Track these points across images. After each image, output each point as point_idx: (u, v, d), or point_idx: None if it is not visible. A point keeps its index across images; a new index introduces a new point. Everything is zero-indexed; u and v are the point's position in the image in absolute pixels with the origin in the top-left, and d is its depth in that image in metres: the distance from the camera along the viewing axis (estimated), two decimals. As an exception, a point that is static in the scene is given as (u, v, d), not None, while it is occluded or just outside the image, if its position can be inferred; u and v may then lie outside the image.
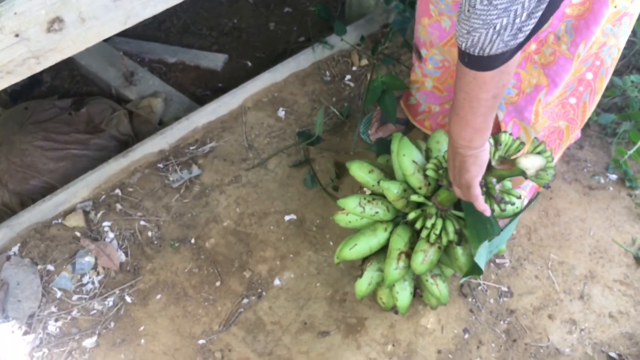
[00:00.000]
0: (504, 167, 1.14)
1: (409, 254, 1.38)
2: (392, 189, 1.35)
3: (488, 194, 1.18)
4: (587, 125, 1.97)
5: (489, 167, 1.15)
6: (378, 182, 1.39)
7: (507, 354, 1.54)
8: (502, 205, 1.20)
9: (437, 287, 1.43)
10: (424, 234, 1.32)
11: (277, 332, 1.58)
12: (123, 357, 1.54)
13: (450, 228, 1.30)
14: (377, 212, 1.40)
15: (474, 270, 1.24)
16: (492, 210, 1.18)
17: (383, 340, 1.56)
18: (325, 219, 1.77)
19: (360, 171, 1.43)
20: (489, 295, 1.63)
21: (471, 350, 1.54)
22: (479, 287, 1.64)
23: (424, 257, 1.34)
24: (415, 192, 1.35)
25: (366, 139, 1.91)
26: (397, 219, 1.43)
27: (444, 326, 1.58)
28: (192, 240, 1.73)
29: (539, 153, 1.12)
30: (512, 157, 1.14)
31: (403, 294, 1.46)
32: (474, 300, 1.62)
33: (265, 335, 1.57)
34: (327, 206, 1.79)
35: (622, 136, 1.91)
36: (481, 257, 1.23)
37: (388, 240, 1.42)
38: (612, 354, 1.54)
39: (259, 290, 1.64)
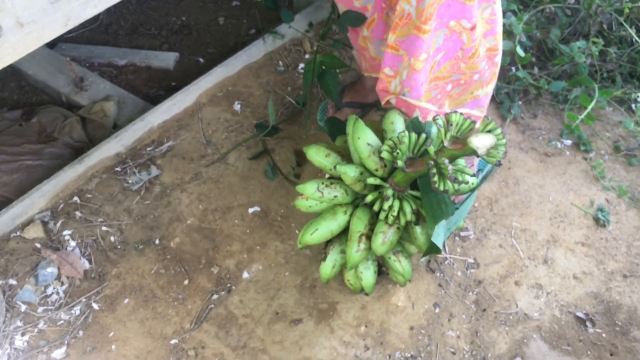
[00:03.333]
0: (456, 147, 1.15)
1: (369, 236, 1.38)
2: (349, 173, 1.35)
3: (441, 174, 1.19)
4: (538, 94, 2.00)
5: (441, 147, 1.16)
6: (335, 167, 1.39)
7: (478, 324, 1.56)
8: (456, 185, 1.22)
9: (400, 264, 1.44)
10: (382, 215, 1.33)
11: (249, 324, 1.57)
12: (95, 365, 1.52)
13: (408, 209, 1.31)
14: (335, 196, 1.40)
15: (432, 249, 1.25)
16: (446, 191, 1.19)
17: (356, 323, 1.56)
18: (290, 208, 1.77)
19: (317, 156, 1.43)
20: (456, 268, 1.65)
21: (443, 324, 1.56)
22: (446, 262, 1.65)
23: (383, 239, 1.34)
24: (372, 175, 1.36)
25: (324, 126, 1.91)
26: (357, 201, 1.44)
27: (415, 303, 1.59)
28: (157, 241, 1.71)
29: (489, 131, 1.14)
30: (463, 137, 1.15)
31: (367, 274, 1.46)
32: (441, 274, 1.63)
33: (238, 328, 1.57)
34: (291, 195, 1.79)
35: (573, 102, 1.95)
36: (438, 236, 1.24)
37: (349, 222, 1.43)
38: (579, 314, 1.57)
39: (228, 285, 1.64)
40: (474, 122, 1.21)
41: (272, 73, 2.10)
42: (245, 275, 1.65)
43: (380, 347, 1.53)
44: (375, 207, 1.34)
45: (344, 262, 1.49)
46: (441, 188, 1.22)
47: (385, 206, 1.31)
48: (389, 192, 1.32)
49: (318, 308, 1.59)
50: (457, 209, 1.32)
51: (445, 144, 1.19)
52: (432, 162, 1.21)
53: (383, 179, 1.37)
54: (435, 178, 1.21)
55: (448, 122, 1.21)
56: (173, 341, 1.55)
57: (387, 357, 1.52)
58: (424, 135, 1.29)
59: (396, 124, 1.39)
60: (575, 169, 1.84)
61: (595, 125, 1.94)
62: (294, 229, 1.73)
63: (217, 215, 1.76)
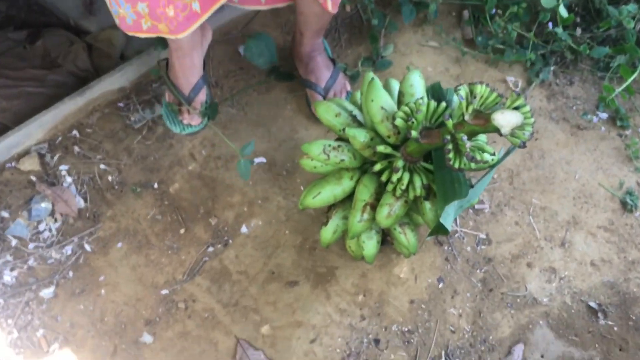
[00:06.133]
0: (478, 122, 1.03)
1: (374, 206, 1.28)
2: (358, 137, 1.24)
3: (457, 150, 1.07)
4: (577, 59, 1.84)
5: (461, 121, 1.05)
6: (344, 129, 1.28)
7: (482, 304, 1.48)
8: (473, 165, 1.10)
9: (405, 237, 1.35)
10: (389, 187, 1.23)
11: (243, 282, 1.51)
12: (82, 308, 1.48)
13: (418, 183, 1.20)
14: (342, 160, 1.30)
15: (440, 229, 1.15)
16: (461, 169, 1.08)
17: (354, 290, 1.49)
18: (296, 162, 1.67)
19: (326, 114, 1.31)
20: (465, 243, 1.55)
21: (445, 300, 1.48)
22: (456, 235, 1.56)
23: (389, 211, 1.25)
24: (383, 141, 1.25)
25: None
26: (365, 167, 1.33)
27: (418, 275, 1.51)
28: (155, 185, 1.64)
29: (516, 108, 1.01)
30: (487, 112, 1.03)
31: (369, 244, 1.38)
32: (449, 248, 1.54)
33: (231, 285, 1.50)
34: (299, 149, 1.69)
35: (615, 71, 1.79)
36: (448, 216, 1.14)
37: (354, 189, 1.33)
38: (592, 304, 1.48)
39: (225, 238, 1.56)
40: (500, 97, 1.09)
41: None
42: (244, 229, 1.57)
43: (377, 318, 1.46)
44: (383, 177, 1.24)
45: (346, 228, 1.40)
46: (456, 165, 1.11)
47: (394, 178, 1.20)
48: (400, 162, 1.21)
49: (316, 271, 1.52)
50: (472, 187, 1.21)
51: (466, 117, 1.07)
52: (449, 137, 1.10)
53: (395, 146, 1.26)
54: (451, 155, 1.09)
55: (471, 93, 1.09)
56: (164, 291, 1.50)
57: (383, 329, 1.45)
58: (443, 105, 1.17)
59: (416, 87, 1.27)
60: (608, 145, 1.70)
61: (635, 99, 1.78)
62: (299, 185, 1.64)
63: (220, 163, 1.67)
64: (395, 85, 1.35)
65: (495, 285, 1.50)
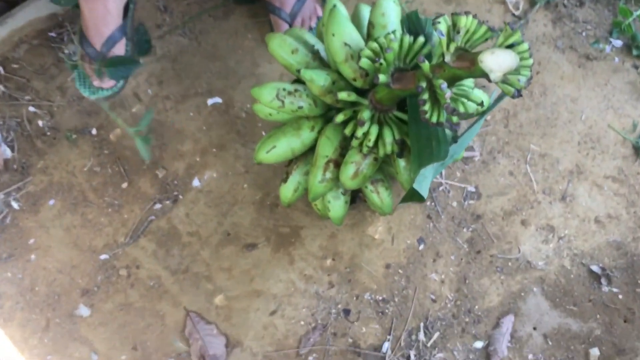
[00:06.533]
0: (461, 64, 0.80)
1: (338, 163, 1.07)
2: (317, 81, 1.00)
3: (435, 100, 0.84)
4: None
5: (441, 63, 0.81)
6: (297, 71, 1.04)
7: (468, 268, 1.29)
8: (455, 118, 0.88)
9: (379, 196, 1.14)
10: (355, 142, 1.00)
11: (194, 244, 1.31)
12: (10, 276, 1.29)
13: (388, 138, 0.98)
14: (300, 107, 1.07)
15: (414, 196, 0.93)
16: (440, 124, 0.86)
17: (321, 254, 1.30)
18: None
19: (280, 50, 1.07)
20: (451, 197, 1.34)
21: (426, 264, 1.29)
22: (440, 188, 1.35)
23: (355, 171, 1.03)
24: (349, 85, 1.01)
25: None
26: (330, 114, 1.10)
27: (395, 236, 1.31)
28: (93, 131, 1.41)
29: (510, 46, 0.77)
30: (474, 51, 0.79)
31: (336, 204, 1.17)
32: (432, 204, 1.33)
33: (181, 248, 1.31)
34: (260, 86, 1.45)
35: (634, -10, 1.52)
36: (424, 179, 0.93)
37: (315, 141, 1.11)
38: (594, 268, 1.29)
39: (175, 194, 1.35)
40: (492, 31, 0.85)
41: None
42: (196, 183, 1.36)
43: (347, 285, 1.28)
44: (347, 131, 1.01)
45: (306, 185, 1.19)
46: (434, 120, 0.88)
47: (360, 132, 0.98)
48: (366, 113, 0.98)
49: (278, 232, 1.32)
50: (455, 141, 0.99)
51: (447, 58, 0.83)
52: (425, 84, 0.86)
53: (362, 91, 1.03)
54: (427, 106, 0.87)
55: (454, 27, 0.85)
56: (103, 256, 1.30)
57: (354, 298, 1.27)
58: (421, 40, 0.93)
59: (388, 16, 1.02)
60: (621, 79, 1.46)
61: (656, 23, 1.52)
62: (260, 131, 1.41)
63: (169, 104, 1.43)
64: (366, 13, 1.10)
65: (483, 247, 1.30)
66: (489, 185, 1.35)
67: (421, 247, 1.30)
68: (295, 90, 1.06)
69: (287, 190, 1.19)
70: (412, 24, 0.99)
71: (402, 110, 1.01)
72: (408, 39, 0.93)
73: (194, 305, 1.27)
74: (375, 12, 1.02)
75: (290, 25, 1.45)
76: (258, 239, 1.31)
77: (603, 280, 1.27)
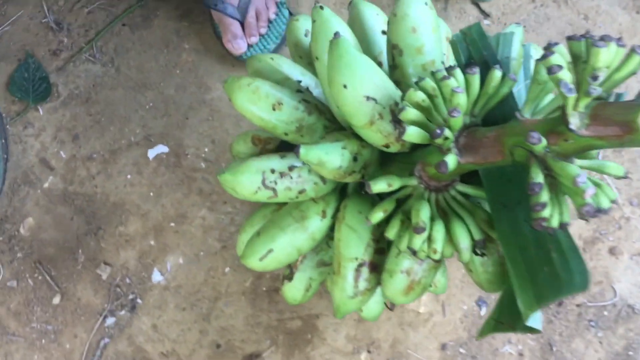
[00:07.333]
0: (602, 131, 0.44)
1: (376, 265, 0.69)
2: (332, 163, 0.60)
3: (556, 190, 0.48)
4: None
5: (558, 130, 0.44)
6: (285, 133, 0.65)
7: (551, 330, 0.95)
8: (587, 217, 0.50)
9: (433, 284, 0.77)
10: (400, 244, 0.62)
11: (173, 368, 0.93)
12: None
13: (464, 242, 0.60)
14: (302, 191, 0.67)
15: (524, 329, 0.57)
16: (565, 226, 0.49)
17: (351, 348, 0.94)
18: (217, 142, 1.02)
19: (254, 106, 0.66)
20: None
21: (494, 334, 0.94)
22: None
23: (409, 284, 0.65)
24: (376, 152, 0.62)
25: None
26: (343, 184, 0.72)
27: (446, 303, 0.95)
28: (-5, 228, 0.99)
29: None
30: (625, 110, 0.42)
31: (371, 305, 0.80)
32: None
33: (156, 377, 0.93)
34: (217, 118, 1.03)
35: None
36: (537, 316, 0.57)
37: (330, 229, 0.72)
38: None
39: (130, 297, 0.96)
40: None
41: None
42: (157, 277, 0.97)
43: (394, 383, 0.93)
44: (390, 234, 0.62)
45: (324, 278, 0.82)
46: (554, 224, 0.51)
47: (417, 244, 0.59)
48: (424, 213, 0.59)
49: (286, 329, 0.94)
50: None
51: (573, 123, 0.46)
52: (542, 176, 0.49)
53: (402, 158, 0.64)
54: (547, 211, 0.49)
55: (584, 61, 0.47)
56: (48, 411, 0.92)
57: (407, 398, 0.92)
58: (498, 76, 0.54)
59: (422, 33, 0.61)
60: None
61: None
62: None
63: (94, 167, 1.01)
64: (376, 21, 0.69)
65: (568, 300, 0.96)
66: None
67: (483, 311, 0.95)
68: (290, 169, 0.66)
69: (296, 291, 0.80)
70: (473, 44, 0.58)
71: (470, 180, 0.63)
72: (477, 79, 0.54)
73: None
74: (401, 27, 0.61)
75: (242, 23, 1.02)
76: (261, 344, 0.93)
77: None
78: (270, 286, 0.96)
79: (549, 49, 0.48)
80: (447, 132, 0.52)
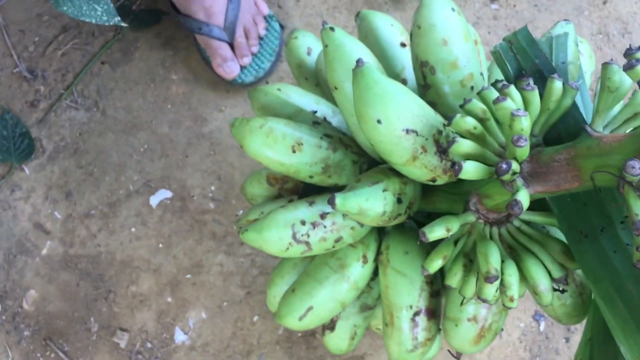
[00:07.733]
0: None
1: (433, 311, 0.60)
2: (374, 210, 0.51)
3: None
4: None
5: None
6: (310, 177, 0.56)
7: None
8: None
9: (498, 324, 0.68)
10: (467, 290, 0.53)
11: None
12: None
13: (543, 284, 0.51)
14: (339, 240, 0.58)
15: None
16: None
17: (403, 385, 0.85)
18: (223, 179, 0.93)
19: (271, 151, 0.56)
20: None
21: (558, 350, 0.86)
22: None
23: (479, 332, 0.57)
24: (419, 186, 0.53)
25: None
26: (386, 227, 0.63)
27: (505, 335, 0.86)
28: (-4, 307, 0.90)
29: None
30: None
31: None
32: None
33: None
34: (221, 152, 0.94)
35: None
36: None
37: (375, 274, 0.63)
38: None
39: (154, 363, 0.87)
40: None
41: None
42: (180, 336, 0.88)
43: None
44: (453, 282, 0.53)
45: (369, 322, 0.73)
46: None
47: (489, 294, 0.50)
48: (494, 258, 0.49)
49: (330, 375, 0.86)
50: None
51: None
52: (632, 188, 0.40)
53: (447, 185, 0.55)
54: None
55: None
56: None
57: None
58: (559, 88, 0.45)
59: (454, 44, 0.52)
60: None
61: None
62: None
63: (94, 225, 0.92)
64: (388, 30, 0.60)
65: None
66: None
67: (542, 325, 0.86)
68: (322, 216, 0.57)
69: (340, 341, 0.72)
70: (522, 53, 0.49)
71: (532, 203, 0.54)
72: (537, 95, 0.45)
73: None
74: (429, 41, 0.51)
75: (231, 44, 0.92)
76: (305, 396, 0.85)
77: None
78: (306, 331, 0.87)
79: (631, 55, 0.39)
80: (515, 165, 0.43)
